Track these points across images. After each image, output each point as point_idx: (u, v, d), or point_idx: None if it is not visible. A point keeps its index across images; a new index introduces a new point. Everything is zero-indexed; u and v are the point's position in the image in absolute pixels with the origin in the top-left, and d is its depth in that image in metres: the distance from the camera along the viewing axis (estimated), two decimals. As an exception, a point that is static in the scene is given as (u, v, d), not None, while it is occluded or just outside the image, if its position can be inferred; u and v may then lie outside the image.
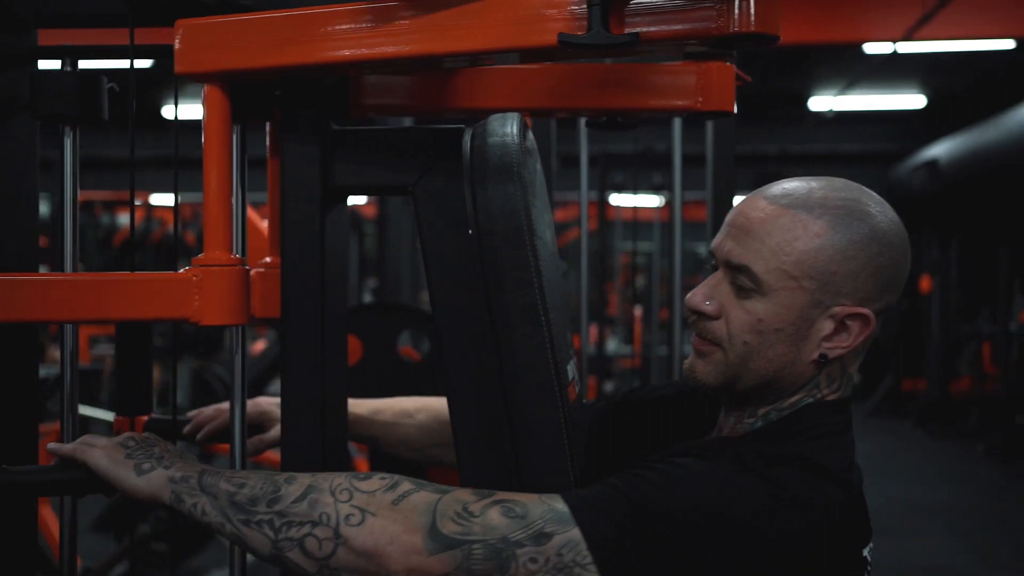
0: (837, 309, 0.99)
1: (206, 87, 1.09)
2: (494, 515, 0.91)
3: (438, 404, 1.44)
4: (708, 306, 1.02)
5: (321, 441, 1.15)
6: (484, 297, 1.11)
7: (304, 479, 0.96)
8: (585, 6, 0.90)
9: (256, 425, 1.39)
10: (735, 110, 1.32)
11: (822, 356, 1.01)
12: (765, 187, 1.06)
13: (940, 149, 9.40)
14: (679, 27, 0.91)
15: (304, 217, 1.14)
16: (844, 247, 0.99)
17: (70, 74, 1.20)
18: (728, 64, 1.30)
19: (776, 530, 0.90)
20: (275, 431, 1.37)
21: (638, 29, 0.91)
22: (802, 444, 0.99)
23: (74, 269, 1.22)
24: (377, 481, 0.94)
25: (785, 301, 0.99)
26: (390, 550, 0.90)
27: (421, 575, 0.90)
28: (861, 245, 0.99)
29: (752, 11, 0.91)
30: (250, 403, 1.36)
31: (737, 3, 0.90)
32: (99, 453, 1.00)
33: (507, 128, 1.08)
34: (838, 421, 1.02)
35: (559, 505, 0.91)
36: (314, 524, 0.92)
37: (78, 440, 1.04)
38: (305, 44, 1.03)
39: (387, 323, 2.24)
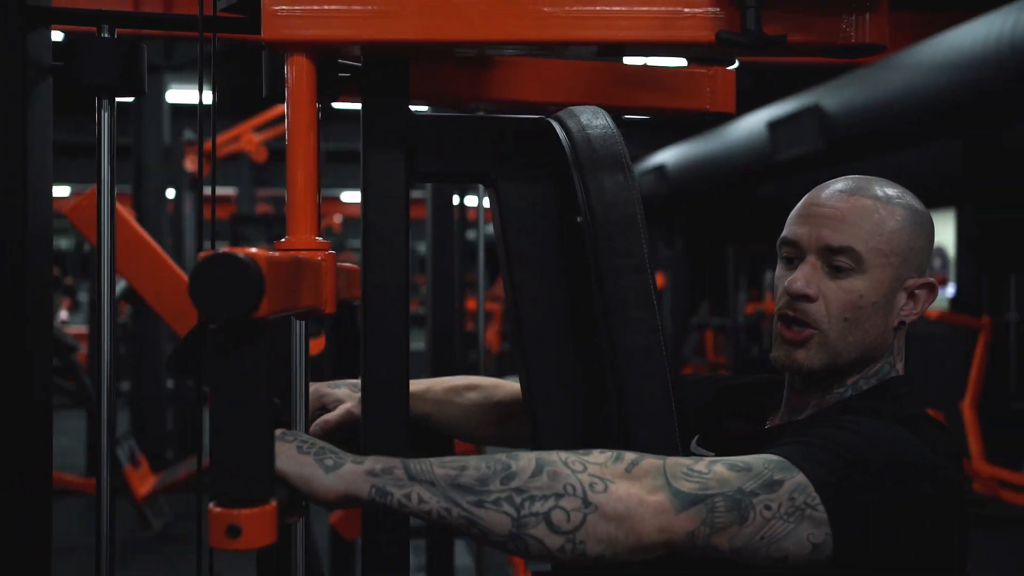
0: (910, 281, 1.15)
1: (292, 58, 1.03)
2: (722, 470, 0.95)
3: (488, 383, 1.47)
4: (810, 289, 1.13)
5: (406, 422, 1.13)
6: (567, 281, 1.16)
7: (529, 456, 0.94)
8: (738, 7, 0.97)
9: (318, 408, 1.35)
10: (735, 110, 1.44)
11: (901, 323, 1.16)
12: (829, 184, 1.19)
13: (667, 156, 10.26)
14: (814, 34, 1.01)
15: (391, 203, 1.11)
16: (915, 228, 1.15)
17: (111, 41, 1.09)
18: (731, 70, 1.42)
19: (947, 471, 1.04)
20: (338, 411, 1.34)
21: (784, 32, 0.99)
22: (911, 406, 1.12)
23: (113, 266, 1.11)
24: (600, 454, 0.95)
25: (879, 276, 1.13)
26: (641, 511, 0.91)
27: (670, 534, 0.92)
28: (922, 226, 1.16)
29: (868, 25, 1.02)
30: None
31: (862, 18, 1.01)
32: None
33: (604, 120, 1.13)
34: (914, 391, 1.18)
35: (776, 457, 0.98)
36: (559, 496, 0.90)
37: None
38: (435, 18, 1.00)
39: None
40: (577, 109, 1.16)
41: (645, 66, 1.40)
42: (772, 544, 0.95)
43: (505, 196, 1.17)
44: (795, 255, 1.17)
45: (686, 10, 1.00)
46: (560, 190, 1.16)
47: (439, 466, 0.92)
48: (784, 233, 1.19)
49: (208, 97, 1.13)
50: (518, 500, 0.90)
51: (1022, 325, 7.17)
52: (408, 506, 0.91)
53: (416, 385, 1.42)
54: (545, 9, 1.00)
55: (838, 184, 1.18)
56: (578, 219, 1.10)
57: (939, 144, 7.06)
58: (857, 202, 1.14)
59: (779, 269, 1.21)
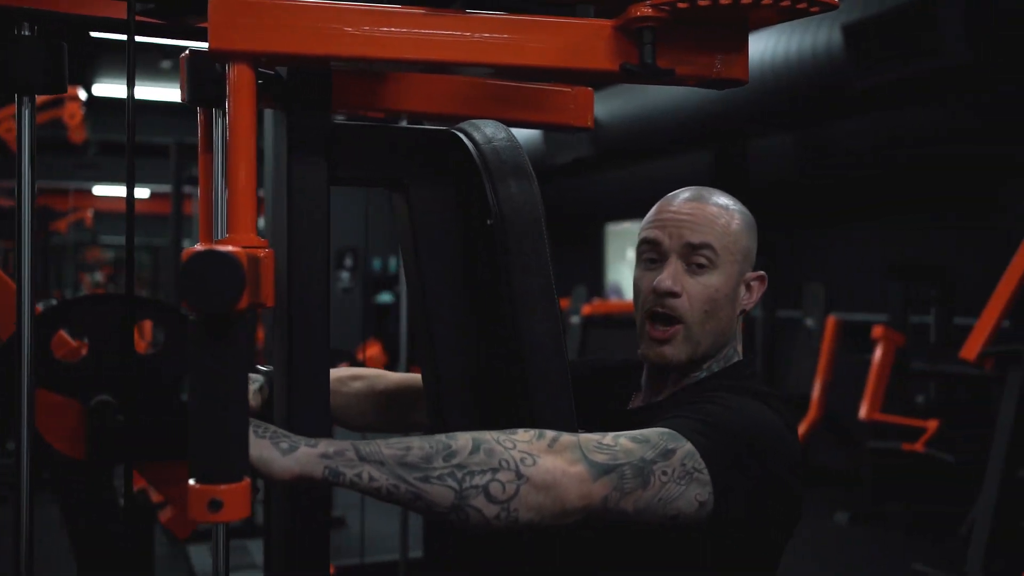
0: (748, 275, 1.36)
1: (234, 67, 1.05)
2: (626, 443, 1.10)
3: (371, 373, 1.55)
4: (676, 286, 1.31)
5: (327, 411, 1.21)
6: (470, 277, 1.28)
7: (464, 436, 1.04)
8: (637, 43, 1.13)
9: None
10: (592, 125, 1.61)
11: (742, 311, 1.37)
12: (677, 194, 1.37)
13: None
14: (694, 68, 1.18)
15: (313, 205, 1.19)
16: (749, 230, 1.37)
17: (35, 39, 1.10)
18: (590, 89, 1.59)
19: (793, 441, 1.24)
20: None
21: (672, 66, 1.16)
22: (758, 384, 1.33)
23: (32, 263, 1.12)
24: (525, 433, 1.06)
25: (729, 271, 1.33)
26: (565, 481, 1.04)
27: (589, 499, 1.05)
28: (753, 229, 1.38)
29: (734, 63, 1.22)
30: None
31: (728, 57, 1.20)
32: None
33: (506, 133, 1.26)
34: (755, 371, 1.40)
35: (667, 429, 1.13)
36: (495, 470, 1.01)
37: None
38: (359, 37, 1.06)
39: (117, 316, 2.11)
40: (479, 122, 1.29)
41: (520, 85, 1.54)
42: (667, 504, 1.12)
43: (417, 200, 1.27)
44: (657, 256, 1.34)
45: (595, 43, 1.14)
46: (465, 195, 1.27)
47: (386, 447, 1.02)
48: (644, 235, 1.37)
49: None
50: (459, 475, 1.01)
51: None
52: (359, 484, 1.00)
53: None
54: (461, 33, 1.09)
55: (685, 194, 1.37)
56: (488, 222, 1.22)
57: (694, 154, 7.72)
58: (706, 208, 1.34)
59: (639, 271, 1.38)
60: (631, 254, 13.19)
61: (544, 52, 1.12)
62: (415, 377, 1.57)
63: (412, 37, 1.09)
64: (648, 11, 1.09)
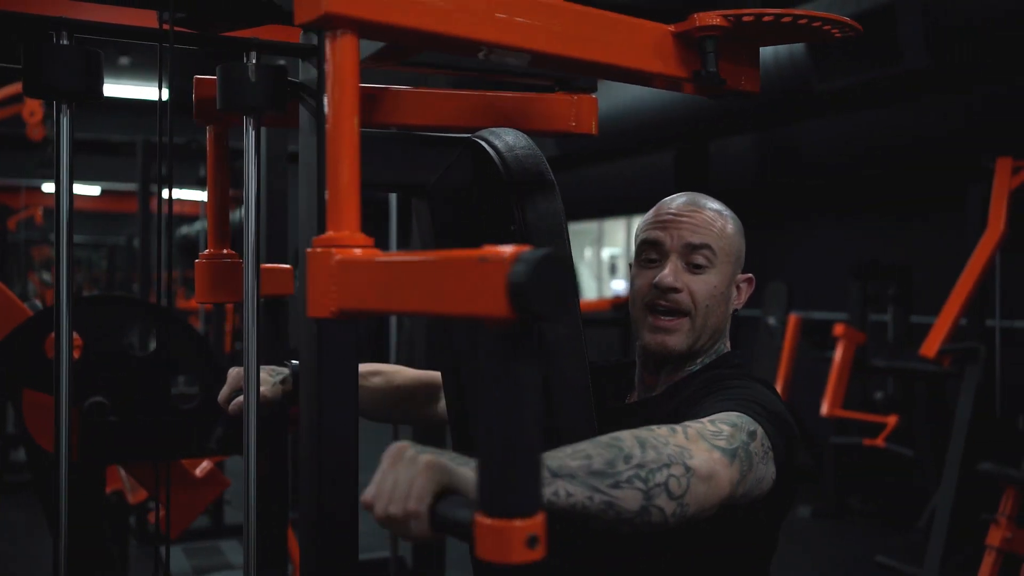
0: (739, 276, 1.44)
1: (340, 38, 0.91)
2: (727, 428, 1.13)
3: (389, 369, 1.61)
4: (678, 282, 1.36)
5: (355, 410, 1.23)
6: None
7: (623, 435, 1.02)
8: (700, 53, 1.18)
9: (236, 389, 1.43)
10: (596, 131, 1.65)
11: (734, 310, 1.43)
12: (674, 199, 1.44)
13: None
14: (736, 80, 1.23)
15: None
16: (741, 235, 1.44)
17: (72, 48, 1.12)
18: (594, 96, 1.63)
19: (793, 419, 1.29)
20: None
21: (725, 77, 1.21)
22: (749, 371, 1.39)
23: (69, 263, 1.13)
24: (658, 428, 1.07)
25: (725, 271, 1.40)
26: (719, 469, 1.06)
27: (731, 485, 1.08)
28: (743, 233, 1.45)
29: (752, 76, 1.27)
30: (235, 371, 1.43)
31: (745, 71, 1.25)
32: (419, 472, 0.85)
33: (526, 141, 1.30)
34: (744, 360, 1.46)
35: (739, 413, 1.17)
36: (667, 466, 1.00)
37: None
38: (476, 17, 0.99)
39: (111, 317, 2.11)
40: (500, 130, 1.32)
41: (524, 96, 1.57)
42: (759, 483, 1.16)
43: (438, 205, 1.30)
44: (658, 255, 1.40)
45: (663, 47, 1.18)
46: (487, 202, 1.31)
47: (568, 458, 0.96)
48: (645, 237, 1.42)
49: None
50: (643, 474, 0.98)
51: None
52: (556, 503, 0.93)
53: None
54: (558, 24, 1.07)
55: (681, 199, 1.43)
56: (511, 228, 1.26)
57: (656, 155, 7.81)
58: (704, 212, 1.41)
59: (637, 270, 1.43)
60: (589, 253, 13.32)
61: (624, 52, 1.13)
62: (431, 374, 1.61)
63: (515, 23, 1.03)
64: (718, 20, 1.14)
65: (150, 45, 1.16)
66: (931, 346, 4.56)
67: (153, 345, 2.47)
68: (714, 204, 1.43)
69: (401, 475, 0.84)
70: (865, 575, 4.84)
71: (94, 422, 2.08)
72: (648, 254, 1.41)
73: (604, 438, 1.01)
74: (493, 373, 0.74)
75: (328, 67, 0.91)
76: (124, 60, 8.95)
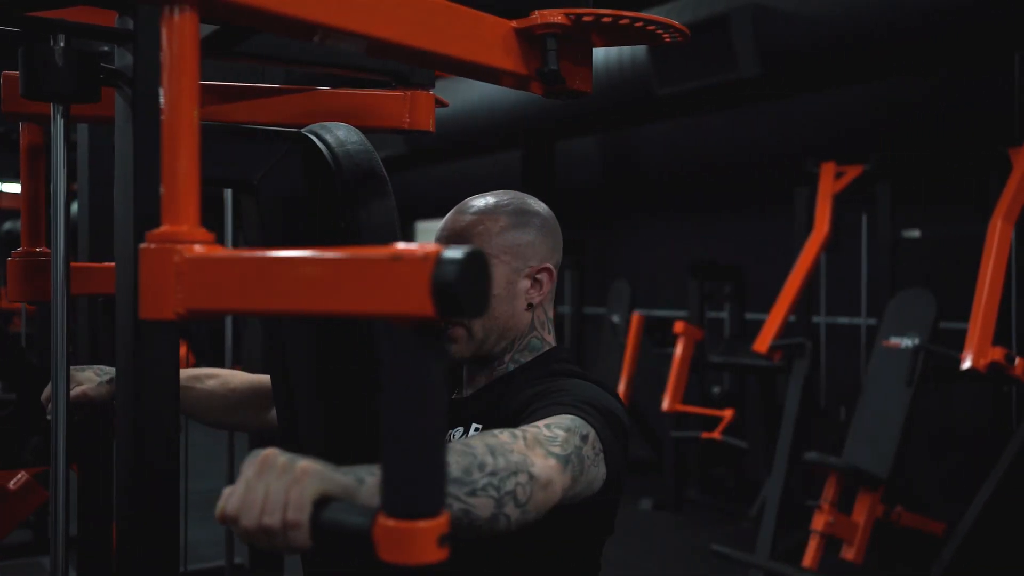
0: (529, 270, 1.39)
1: (179, 14, 0.85)
2: (561, 434, 1.12)
3: (225, 373, 1.55)
4: None
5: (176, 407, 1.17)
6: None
7: (473, 441, 1.00)
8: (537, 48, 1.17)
9: None
10: (433, 129, 1.64)
11: (529, 304, 1.40)
12: (461, 205, 1.42)
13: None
14: (572, 79, 1.24)
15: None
16: (519, 227, 1.39)
17: (70, 51, 1.05)
18: (430, 92, 1.62)
19: (624, 418, 1.30)
20: (73, 392, 1.38)
21: (565, 77, 1.21)
22: (576, 367, 1.39)
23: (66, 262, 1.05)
24: (501, 433, 1.05)
25: (499, 270, 1.36)
26: (555, 476, 1.04)
27: (563, 489, 1.07)
28: (528, 224, 1.40)
29: (585, 76, 1.28)
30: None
31: (579, 70, 1.27)
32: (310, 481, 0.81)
33: (358, 136, 1.27)
34: (572, 357, 1.45)
35: (572, 415, 1.17)
36: (515, 474, 0.99)
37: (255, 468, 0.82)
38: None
39: None
40: (331, 125, 1.29)
41: (357, 92, 1.54)
42: (591, 485, 1.16)
43: (266, 201, 1.26)
44: None
45: (513, 46, 1.16)
46: (317, 197, 1.27)
47: None
48: None
49: None
50: (496, 482, 0.97)
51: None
52: None
53: None
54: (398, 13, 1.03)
55: (457, 207, 1.42)
56: (341, 225, 1.23)
57: (506, 154, 7.88)
58: (464, 217, 1.39)
59: None
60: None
61: (465, 45, 1.11)
62: (268, 378, 1.56)
63: (352, 5, 0.98)
64: (560, 18, 1.13)
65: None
66: (763, 342, 4.79)
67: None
68: (483, 201, 1.40)
69: (273, 484, 0.80)
70: (702, 564, 5.02)
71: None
72: None
73: (457, 445, 1.00)
74: (400, 370, 0.72)
75: (166, 47, 0.85)
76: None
